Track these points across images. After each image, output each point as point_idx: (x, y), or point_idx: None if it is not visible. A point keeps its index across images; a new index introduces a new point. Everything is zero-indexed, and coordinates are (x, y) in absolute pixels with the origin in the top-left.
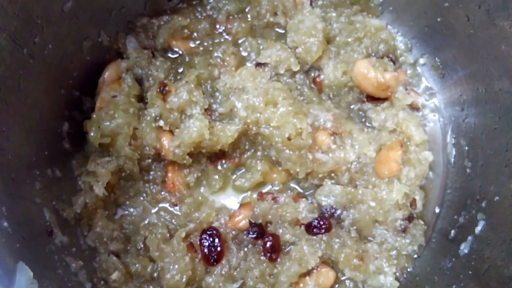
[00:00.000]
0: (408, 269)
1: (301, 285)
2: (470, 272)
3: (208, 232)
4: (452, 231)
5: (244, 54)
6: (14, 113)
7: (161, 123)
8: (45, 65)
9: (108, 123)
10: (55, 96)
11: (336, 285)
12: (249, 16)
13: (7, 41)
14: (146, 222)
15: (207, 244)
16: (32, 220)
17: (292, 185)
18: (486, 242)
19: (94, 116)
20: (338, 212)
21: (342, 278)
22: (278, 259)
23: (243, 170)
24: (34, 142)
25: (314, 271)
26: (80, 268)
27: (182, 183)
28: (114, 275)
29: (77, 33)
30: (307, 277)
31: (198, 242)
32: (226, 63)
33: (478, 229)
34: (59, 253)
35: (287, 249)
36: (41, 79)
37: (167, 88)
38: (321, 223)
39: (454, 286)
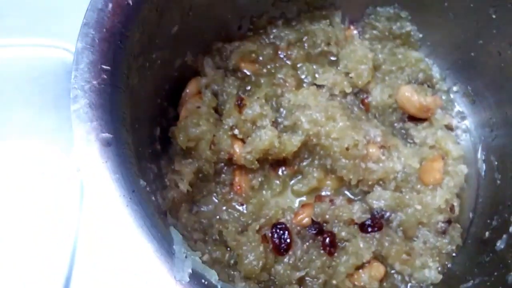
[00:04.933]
0: (448, 266)
1: (356, 276)
2: (509, 261)
3: (279, 226)
4: (487, 233)
5: (302, 76)
6: (137, 105)
7: (236, 131)
8: (153, 76)
9: (193, 130)
10: (154, 103)
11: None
12: (306, 45)
13: (138, 53)
14: (218, 217)
15: (277, 236)
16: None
17: (343, 191)
18: None
19: (182, 123)
20: (388, 214)
21: (391, 272)
22: (335, 253)
23: (300, 176)
24: (144, 137)
25: (367, 265)
26: None
27: (248, 186)
28: (205, 257)
29: (173, 53)
30: (361, 270)
31: (270, 234)
32: (287, 84)
33: None
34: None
35: (342, 245)
36: (151, 87)
37: (243, 102)
38: (374, 222)
39: (495, 273)
